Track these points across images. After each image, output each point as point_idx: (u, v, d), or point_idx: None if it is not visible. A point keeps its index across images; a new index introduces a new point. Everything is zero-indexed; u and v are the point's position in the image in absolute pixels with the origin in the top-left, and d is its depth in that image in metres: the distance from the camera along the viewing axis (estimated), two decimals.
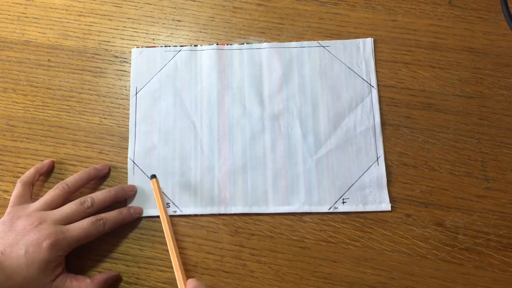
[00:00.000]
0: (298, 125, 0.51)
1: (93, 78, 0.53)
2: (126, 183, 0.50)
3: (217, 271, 0.47)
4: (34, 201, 0.46)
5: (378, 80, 0.52)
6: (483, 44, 0.53)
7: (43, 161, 0.50)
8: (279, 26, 0.54)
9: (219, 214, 0.48)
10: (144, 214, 0.48)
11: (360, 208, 0.48)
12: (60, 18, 0.56)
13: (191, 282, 0.41)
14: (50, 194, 0.46)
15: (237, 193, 0.49)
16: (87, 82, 0.53)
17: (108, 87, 0.53)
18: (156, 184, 0.48)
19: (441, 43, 0.53)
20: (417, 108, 0.51)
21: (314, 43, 0.53)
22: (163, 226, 0.46)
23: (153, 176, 0.48)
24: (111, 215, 0.46)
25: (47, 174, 0.50)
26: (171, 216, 0.48)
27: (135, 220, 0.48)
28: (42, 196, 0.46)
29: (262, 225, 0.48)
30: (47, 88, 0.53)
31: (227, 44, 0.54)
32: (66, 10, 0.56)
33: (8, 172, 0.50)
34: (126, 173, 0.50)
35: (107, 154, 0.51)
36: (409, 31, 0.53)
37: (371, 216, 0.48)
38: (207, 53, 0.53)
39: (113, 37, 0.55)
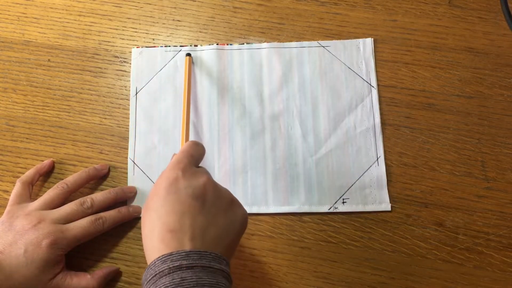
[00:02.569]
0: (298, 125, 0.51)
1: (93, 78, 0.53)
2: (126, 183, 0.50)
3: None
4: (33, 201, 0.46)
5: (378, 80, 0.52)
6: (483, 44, 0.53)
7: (43, 161, 0.50)
8: (279, 26, 0.54)
9: None
10: None
11: (360, 208, 0.48)
12: (60, 18, 0.56)
13: (191, 141, 0.41)
14: (50, 193, 0.46)
15: (237, 193, 0.49)
16: (87, 82, 0.53)
17: (108, 87, 0.53)
18: (188, 61, 0.51)
19: (441, 43, 0.53)
20: (417, 108, 0.51)
21: (314, 43, 0.53)
22: (184, 93, 0.49)
23: (188, 54, 0.52)
24: (110, 214, 0.46)
25: (47, 174, 0.50)
26: None
27: (135, 220, 0.48)
28: (42, 195, 0.46)
29: (262, 225, 0.48)
30: (47, 88, 0.53)
31: (227, 44, 0.54)
32: (66, 10, 0.56)
33: (8, 172, 0.50)
34: (126, 173, 0.50)
35: (107, 154, 0.51)
36: (409, 31, 0.53)
37: (371, 216, 0.48)
38: (207, 53, 0.53)
39: (113, 37, 0.55)
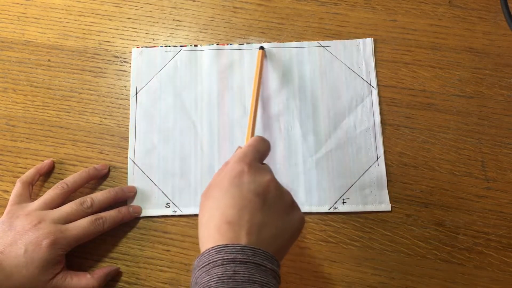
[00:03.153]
0: (298, 125, 0.51)
1: (93, 78, 0.53)
2: (126, 183, 0.50)
3: None
4: (33, 201, 0.46)
5: (378, 80, 0.52)
6: (483, 44, 0.53)
7: (43, 161, 0.50)
8: (279, 26, 0.54)
9: None
10: (144, 214, 0.48)
11: (360, 208, 0.48)
12: (60, 18, 0.56)
13: (258, 137, 0.41)
14: (50, 193, 0.46)
15: None
16: (87, 82, 0.53)
17: (108, 87, 0.53)
18: (261, 55, 0.51)
19: (441, 43, 0.53)
20: (417, 108, 0.51)
21: (314, 43, 0.53)
22: (253, 87, 0.48)
23: (261, 48, 0.52)
24: (110, 214, 0.46)
25: (47, 174, 0.50)
26: (171, 216, 0.48)
27: (135, 220, 0.48)
28: (42, 195, 0.46)
29: None
30: (47, 88, 0.53)
31: (227, 44, 0.54)
32: (66, 10, 0.56)
33: (8, 172, 0.50)
34: (126, 173, 0.50)
35: (107, 154, 0.51)
36: (409, 31, 0.53)
37: (371, 216, 0.48)
38: (207, 53, 0.53)
39: (113, 37, 0.55)
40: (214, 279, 0.32)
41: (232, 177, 0.37)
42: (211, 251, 0.34)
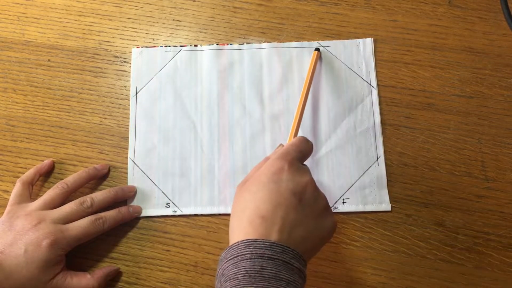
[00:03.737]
0: None
1: (93, 78, 0.53)
2: (126, 183, 0.50)
3: None
4: (33, 201, 0.46)
5: (378, 80, 0.52)
6: (483, 44, 0.53)
7: (43, 161, 0.50)
8: (279, 26, 0.54)
9: (219, 214, 0.48)
10: (144, 214, 0.48)
11: (360, 208, 0.48)
12: (60, 18, 0.56)
13: (302, 137, 0.42)
14: (50, 193, 0.46)
15: None
16: (87, 82, 0.53)
17: (108, 87, 0.53)
18: (316, 56, 0.51)
19: (441, 43, 0.53)
20: (417, 108, 0.51)
21: (314, 43, 0.53)
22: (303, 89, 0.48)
23: (317, 49, 0.52)
24: (110, 214, 0.46)
25: (47, 174, 0.50)
26: (171, 216, 0.48)
27: (135, 220, 0.48)
28: (42, 195, 0.46)
29: None
30: (47, 88, 0.53)
31: (227, 44, 0.54)
32: (66, 10, 0.56)
33: (8, 172, 0.50)
34: (126, 173, 0.50)
35: (107, 154, 0.51)
36: (409, 31, 0.53)
37: (371, 216, 0.48)
38: (207, 53, 0.53)
39: (113, 37, 0.55)
40: (241, 272, 0.33)
41: (271, 172, 0.37)
42: (240, 245, 0.34)
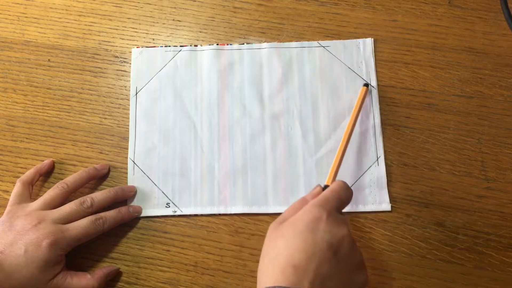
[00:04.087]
0: (298, 125, 0.51)
1: (93, 78, 0.53)
2: (126, 183, 0.50)
3: (217, 271, 0.47)
4: (33, 201, 0.46)
5: (378, 80, 0.52)
6: (483, 44, 0.53)
7: (43, 161, 0.50)
8: (279, 26, 0.54)
9: (219, 214, 0.48)
10: (144, 214, 0.48)
11: (360, 208, 0.48)
12: (60, 18, 0.56)
13: (343, 183, 0.40)
14: (50, 193, 0.46)
15: (237, 193, 0.49)
16: (87, 82, 0.53)
17: (108, 87, 0.53)
18: (364, 92, 0.49)
19: (441, 43, 0.53)
20: (417, 108, 0.51)
21: (314, 43, 0.53)
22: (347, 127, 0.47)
23: (366, 85, 0.50)
24: (110, 214, 0.46)
25: (47, 174, 0.50)
26: (171, 216, 0.48)
27: (135, 220, 0.48)
28: (42, 195, 0.46)
29: (262, 225, 0.48)
30: (47, 88, 0.53)
31: (227, 44, 0.54)
32: (66, 10, 0.56)
33: (8, 172, 0.50)
34: (126, 173, 0.50)
35: (107, 154, 0.51)
36: (409, 31, 0.53)
37: (371, 216, 0.48)
38: (207, 53, 0.53)
39: (113, 37, 0.55)
40: None
41: (308, 220, 0.36)
42: None
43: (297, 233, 0.36)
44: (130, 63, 0.54)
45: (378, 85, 0.52)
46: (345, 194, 0.40)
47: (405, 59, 0.52)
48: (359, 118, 0.50)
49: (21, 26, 0.55)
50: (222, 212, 0.48)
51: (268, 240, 0.38)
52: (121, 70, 0.54)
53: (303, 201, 0.40)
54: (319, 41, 0.53)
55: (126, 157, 0.50)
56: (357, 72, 0.52)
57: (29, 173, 0.48)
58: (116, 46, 0.54)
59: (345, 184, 0.40)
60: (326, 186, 0.41)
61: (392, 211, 0.48)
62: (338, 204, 0.39)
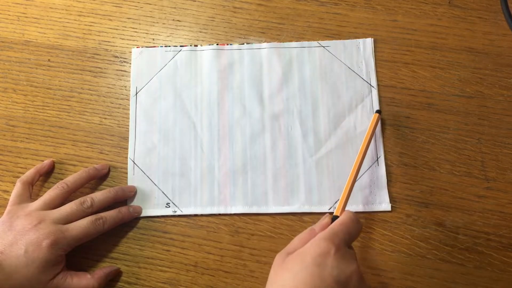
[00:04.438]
0: (298, 125, 0.51)
1: (93, 78, 0.53)
2: (126, 183, 0.50)
3: (217, 271, 0.47)
4: (33, 201, 0.46)
5: (378, 80, 0.52)
6: (483, 44, 0.53)
7: (43, 161, 0.50)
8: (279, 26, 0.54)
9: (219, 214, 0.48)
10: (144, 214, 0.48)
11: (360, 208, 0.48)
12: (60, 18, 0.56)
13: (353, 215, 0.39)
14: (50, 193, 0.46)
15: (237, 193, 0.49)
16: (87, 82, 0.53)
17: (108, 87, 0.53)
18: (375, 119, 0.48)
19: (441, 43, 0.53)
20: (417, 108, 0.51)
21: (314, 43, 0.53)
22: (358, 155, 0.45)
23: (378, 112, 0.49)
24: (110, 214, 0.46)
25: (47, 174, 0.50)
26: (171, 216, 0.48)
27: (135, 220, 0.48)
28: (42, 196, 0.46)
29: (262, 225, 0.48)
30: (47, 88, 0.53)
31: (227, 44, 0.54)
32: (66, 10, 0.56)
33: (8, 172, 0.50)
34: (126, 173, 0.50)
35: (107, 154, 0.51)
36: (409, 31, 0.53)
37: (371, 216, 0.48)
38: (207, 53, 0.53)
39: (113, 37, 0.55)
40: None
41: (316, 254, 0.36)
42: None
43: (304, 267, 0.35)
44: (130, 63, 0.54)
45: (378, 85, 0.52)
46: (355, 227, 0.39)
47: (405, 59, 0.53)
48: (359, 118, 0.50)
49: (21, 26, 0.55)
50: (222, 212, 0.48)
51: (274, 270, 0.37)
52: (121, 70, 0.54)
53: (311, 233, 0.39)
54: (319, 41, 0.53)
55: (126, 157, 0.50)
56: (357, 72, 0.52)
57: (29, 173, 0.48)
58: (116, 46, 0.54)
59: (354, 216, 0.39)
60: (335, 217, 0.40)
61: (392, 211, 0.48)
62: (347, 238, 0.38)
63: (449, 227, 0.47)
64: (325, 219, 0.40)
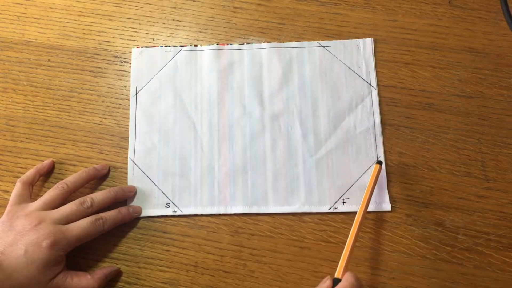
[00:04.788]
0: (298, 125, 0.51)
1: (93, 78, 0.53)
2: (126, 183, 0.50)
3: (217, 271, 0.47)
4: (33, 201, 0.46)
5: (378, 80, 0.52)
6: (483, 44, 0.53)
7: (43, 161, 0.50)
8: (279, 26, 0.54)
9: (219, 214, 0.48)
10: (144, 214, 0.48)
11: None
12: (60, 18, 0.56)
13: (357, 278, 0.38)
14: (50, 193, 0.46)
15: (237, 193, 0.49)
16: (87, 82, 0.53)
17: (108, 87, 0.53)
18: (377, 171, 0.46)
19: (441, 43, 0.53)
20: (417, 108, 0.51)
21: (314, 43, 0.53)
22: (357, 214, 0.43)
23: (379, 162, 0.47)
24: (110, 215, 0.46)
25: (47, 174, 0.50)
26: (171, 216, 0.48)
27: (135, 220, 0.48)
28: (42, 196, 0.46)
29: (262, 225, 0.48)
30: (47, 88, 0.53)
31: (227, 44, 0.54)
32: (66, 10, 0.56)
33: (8, 172, 0.50)
34: (126, 173, 0.50)
35: (107, 154, 0.51)
36: (409, 31, 0.53)
37: (371, 216, 0.48)
38: (207, 53, 0.53)
39: (113, 37, 0.55)
40: None
41: None
42: None
43: None
44: (130, 63, 0.54)
45: (378, 85, 0.52)
46: None
47: (405, 59, 0.52)
48: (359, 118, 0.50)
49: (21, 26, 0.55)
50: (222, 212, 0.48)
51: None
52: (121, 70, 0.54)
53: None
54: (319, 41, 0.53)
55: (126, 157, 0.50)
56: (357, 72, 0.52)
57: (29, 173, 0.48)
58: (116, 46, 0.54)
59: (356, 281, 0.38)
60: (336, 280, 0.39)
61: (392, 211, 0.48)
62: None
63: (449, 227, 0.47)
64: (326, 282, 0.39)
